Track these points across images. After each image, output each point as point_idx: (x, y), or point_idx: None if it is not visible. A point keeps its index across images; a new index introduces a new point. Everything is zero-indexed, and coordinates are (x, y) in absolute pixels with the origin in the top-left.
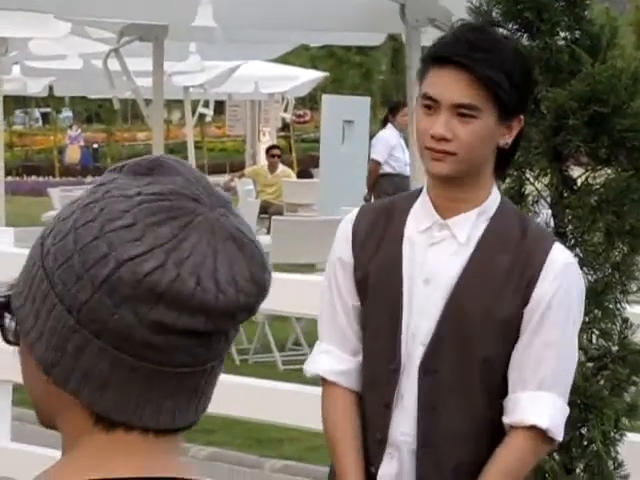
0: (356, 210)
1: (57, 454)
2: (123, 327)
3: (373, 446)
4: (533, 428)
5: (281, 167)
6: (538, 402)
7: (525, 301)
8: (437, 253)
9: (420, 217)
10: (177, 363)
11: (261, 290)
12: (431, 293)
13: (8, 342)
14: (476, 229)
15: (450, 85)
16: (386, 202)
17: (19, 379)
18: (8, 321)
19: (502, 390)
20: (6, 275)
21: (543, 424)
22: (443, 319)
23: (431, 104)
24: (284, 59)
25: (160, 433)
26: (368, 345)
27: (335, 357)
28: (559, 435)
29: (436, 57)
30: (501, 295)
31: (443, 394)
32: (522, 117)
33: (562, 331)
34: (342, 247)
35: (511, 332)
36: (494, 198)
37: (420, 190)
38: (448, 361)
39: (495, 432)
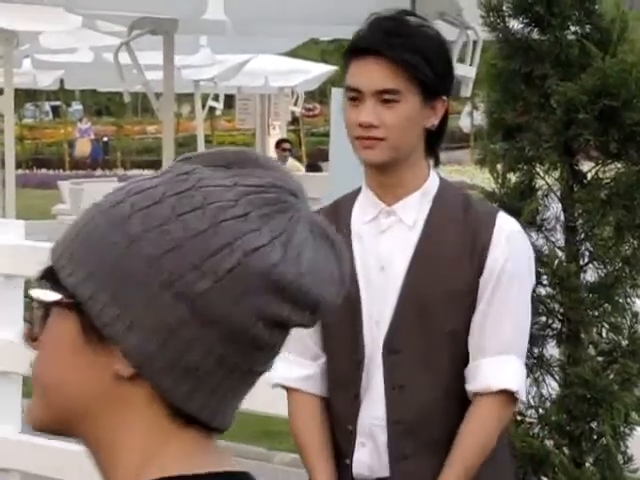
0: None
1: (65, 446)
2: (240, 321)
3: (344, 439)
4: (501, 392)
5: (290, 161)
6: (501, 366)
7: (479, 271)
8: (388, 239)
9: (365, 208)
10: (268, 363)
11: (345, 289)
12: (388, 279)
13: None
14: (421, 211)
15: (371, 73)
16: (330, 205)
17: (28, 371)
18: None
19: (467, 360)
20: (17, 267)
21: (512, 387)
22: (402, 301)
23: (356, 95)
24: (294, 53)
25: (214, 431)
26: (331, 343)
27: (296, 364)
28: (523, 395)
29: (355, 49)
30: (455, 269)
31: (409, 372)
32: (445, 99)
33: (516, 296)
34: None
35: (470, 302)
36: (433, 179)
37: (360, 188)
38: (411, 340)
39: (465, 402)
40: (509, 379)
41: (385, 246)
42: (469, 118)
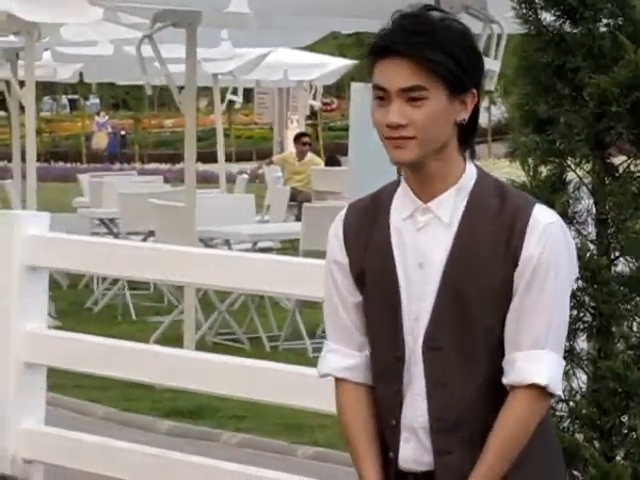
0: (343, 211)
1: (88, 437)
2: None
3: (389, 432)
4: (533, 386)
5: (309, 155)
6: (534, 360)
7: (514, 264)
8: (425, 236)
9: (402, 205)
10: None
11: None
12: (426, 276)
13: None
14: (457, 207)
15: (395, 72)
16: (369, 197)
17: (52, 363)
18: None
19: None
20: (41, 259)
21: (542, 381)
22: (440, 298)
23: (382, 94)
24: (312, 47)
25: None
26: (373, 338)
27: (342, 354)
28: (558, 389)
29: (377, 49)
30: (491, 264)
31: (450, 369)
32: (475, 92)
33: (552, 289)
34: (335, 249)
35: (506, 297)
36: (469, 173)
37: (399, 180)
38: (450, 337)
39: (503, 395)
40: (541, 373)
41: (422, 243)
42: (487, 113)
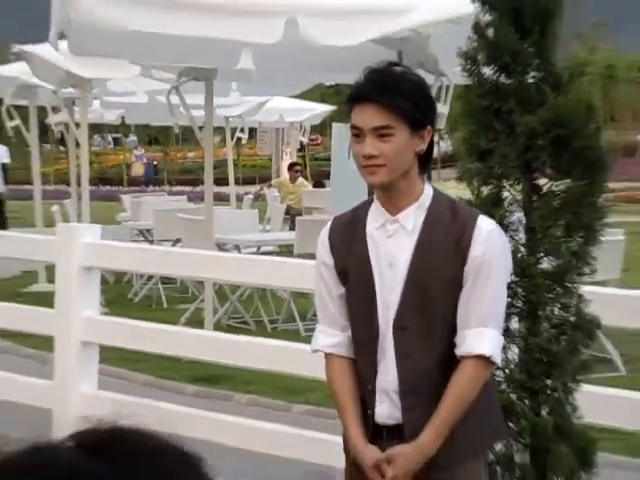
0: (329, 223)
1: (133, 399)
2: None
3: (367, 395)
4: (479, 356)
5: (300, 179)
6: (480, 336)
7: (463, 263)
8: (394, 242)
9: (375, 217)
10: None
11: None
12: (395, 273)
13: None
14: (418, 218)
15: (368, 115)
16: (349, 212)
17: (103, 342)
18: None
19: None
20: (95, 261)
21: (486, 352)
22: (406, 290)
23: (358, 132)
24: (301, 96)
25: None
26: (354, 321)
27: (329, 334)
28: (498, 359)
29: (354, 97)
30: (445, 263)
31: (414, 344)
32: (430, 128)
33: (493, 280)
34: (323, 253)
35: (457, 288)
36: (427, 192)
37: (372, 199)
38: (414, 319)
39: (454, 364)
40: (485, 346)
41: (392, 247)
42: (437, 146)
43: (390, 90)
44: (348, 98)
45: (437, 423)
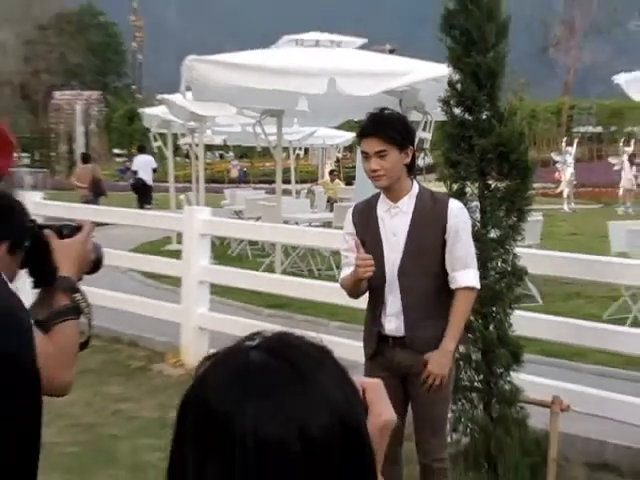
0: (352, 208)
1: (229, 317)
2: None
3: (376, 319)
4: (468, 287)
5: (336, 180)
6: (465, 274)
7: (443, 230)
8: (396, 220)
9: (382, 205)
10: None
11: None
12: (397, 240)
13: None
14: (410, 204)
15: (371, 144)
16: (365, 201)
17: (214, 281)
18: None
19: (444, 276)
20: (207, 230)
21: (473, 284)
22: (405, 250)
23: (366, 155)
24: (337, 127)
25: None
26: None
27: (347, 272)
28: (478, 286)
29: (361, 132)
30: (430, 232)
31: (412, 283)
32: (411, 147)
33: (464, 239)
34: (348, 226)
35: (440, 246)
36: (415, 187)
37: (379, 193)
38: (412, 268)
39: (447, 296)
40: (471, 279)
41: (395, 223)
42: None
43: (383, 127)
44: (357, 134)
45: (451, 334)
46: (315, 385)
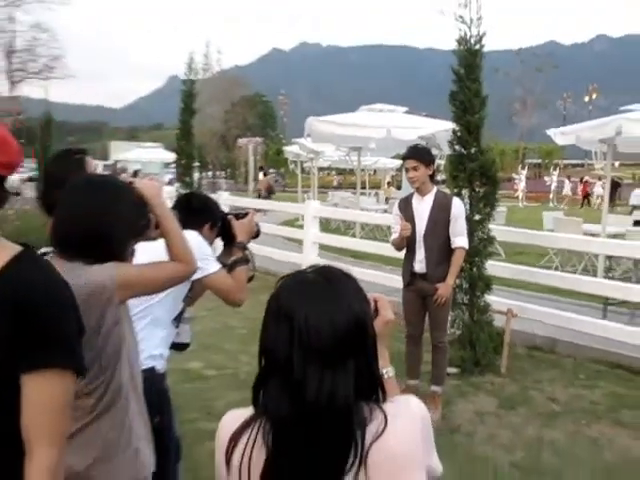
0: (398, 201)
1: (327, 261)
2: None
3: (409, 264)
4: (462, 247)
5: (391, 187)
6: (461, 240)
7: (449, 215)
8: (423, 206)
9: (416, 198)
10: None
11: None
12: (422, 218)
13: None
14: (431, 198)
15: (410, 163)
16: (405, 196)
17: (319, 241)
18: None
19: (449, 240)
20: (317, 213)
21: (465, 245)
22: (427, 225)
23: (407, 169)
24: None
25: None
26: (407, 237)
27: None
28: (467, 247)
29: (404, 157)
30: (442, 215)
31: (431, 244)
32: (432, 165)
33: (460, 219)
34: (396, 210)
35: (447, 223)
36: (434, 189)
37: (413, 192)
38: (431, 234)
39: (449, 253)
40: (464, 243)
41: (422, 208)
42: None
43: (417, 152)
44: (402, 157)
45: (452, 273)
46: (342, 296)
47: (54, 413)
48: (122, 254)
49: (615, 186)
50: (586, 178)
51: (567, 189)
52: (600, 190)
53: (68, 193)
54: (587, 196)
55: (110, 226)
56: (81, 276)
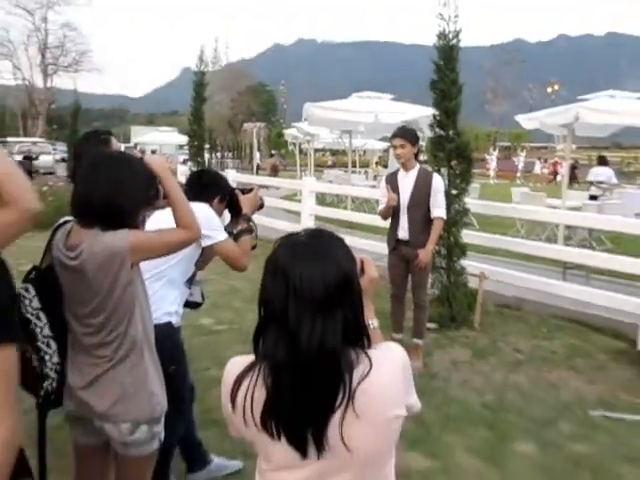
0: (385, 175)
1: (320, 224)
2: None
3: (394, 232)
4: (440, 217)
5: (379, 166)
6: (440, 211)
7: (429, 188)
8: (407, 180)
9: (401, 173)
10: None
11: None
12: (407, 190)
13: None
14: (414, 174)
15: (397, 141)
16: (392, 172)
17: (316, 213)
18: None
19: (429, 211)
20: (312, 188)
21: (443, 215)
22: (411, 197)
23: (394, 147)
24: (379, 139)
25: None
26: (393, 206)
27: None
28: (445, 217)
29: (393, 136)
30: (424, 189)
31: (414, 214)
32: (417, 144)
33: (440, 193)
34: (383, 183)
35: (428, 196)
36: (417, 165)
37: (399, 168)
38: (414, 205)
39: (429, 222)
40: (442, 214)
41: (406, 182)
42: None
43: (405, 132)
44: (392, 136)
45: (432, 240)
46: (332, 255)
47: None
48: (134, 221)
49: (572, 168)
50: (555, 159)
51: (538, 169)
52: (563, 170)
53: (84, 168)
54: (556, 175)
55: (122, 196)
56: (99, 242)
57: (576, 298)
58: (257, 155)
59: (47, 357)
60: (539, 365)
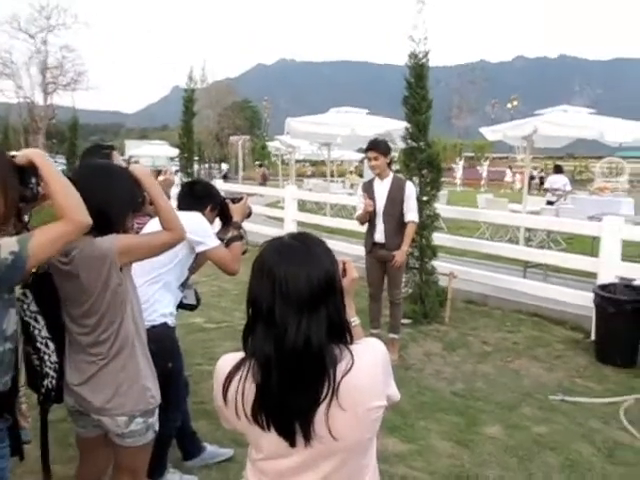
0: (361, 183)
1: (305, 229)
2: None
3: (371, 236)
4: (413, 221)
5: (354, 175)
6: (412, 215)
7: (403, 195)
8: (382, 188)
9: (376, 181)
10: None
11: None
12: (382, 197)
13: None
14: (389, 182)
15: (371, 154)
16: (368, 180)
17: (299, 220)
18: None
19: (402, 216)
20: (304, 197)
21: (415, 220)
22: (386, 203)
23: (369, 158)
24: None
25: None
26: (370, 212)
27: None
28: (417, 221)
29: (367, 148)
30: (397, 195)
31: (389, 219)
32: (389, 156)
33: (412, 200)
34: (360, 191)
35: (402, 202)
36: (391, 174)
37: (375, 177)
38: (389, 211)
39: (403, 226)
40: (415, 218)
41: (381, 189)
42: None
43: (377, 145)
44: (365, 149)
45: (406, 242)
46: (315, 256)
47: None
48: (122, 227)
49: (531, 178)
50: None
51: (509, 177)
52: (519, 177)
53: (74, 177)
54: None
55: (110, 204)
56: (90, 247)
57: (536, 294)
58: (240, 165)
59: (46, 357)
60: (504, 355)
